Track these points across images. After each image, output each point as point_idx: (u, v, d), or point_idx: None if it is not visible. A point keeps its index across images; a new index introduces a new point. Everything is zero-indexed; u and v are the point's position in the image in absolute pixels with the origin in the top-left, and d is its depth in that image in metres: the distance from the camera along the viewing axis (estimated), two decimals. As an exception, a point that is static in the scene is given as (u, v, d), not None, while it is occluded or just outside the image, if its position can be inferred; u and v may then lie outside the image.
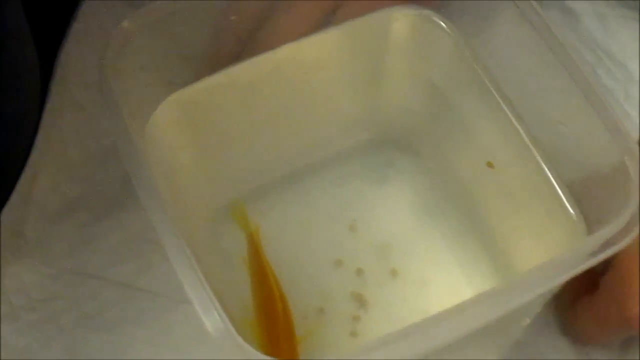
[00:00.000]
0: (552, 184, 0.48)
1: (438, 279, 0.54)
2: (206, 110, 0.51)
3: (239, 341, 0.37)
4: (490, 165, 0.53)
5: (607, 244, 0.39)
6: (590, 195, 0.46)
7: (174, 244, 0.39)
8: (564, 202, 0.47)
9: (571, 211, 0.47)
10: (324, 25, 0.52)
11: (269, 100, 0.53)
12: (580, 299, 0.52)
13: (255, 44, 0.51)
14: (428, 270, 0.54)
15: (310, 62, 0.52)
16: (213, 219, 0.55)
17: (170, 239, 0.39)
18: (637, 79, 0.63)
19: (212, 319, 0.38)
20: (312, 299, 0.53)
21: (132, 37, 0.44)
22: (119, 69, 0.43)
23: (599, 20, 0.65)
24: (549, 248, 0.49)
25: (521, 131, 0.49)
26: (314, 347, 0.52)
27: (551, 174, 0.48)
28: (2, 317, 0.54)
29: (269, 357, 0.37)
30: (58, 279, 0.56)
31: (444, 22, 0.52)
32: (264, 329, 0.51)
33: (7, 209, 0.55)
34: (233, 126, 0.53)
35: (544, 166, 0.48)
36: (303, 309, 0.53)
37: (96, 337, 0.54)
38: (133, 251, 0.57)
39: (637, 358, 0.54)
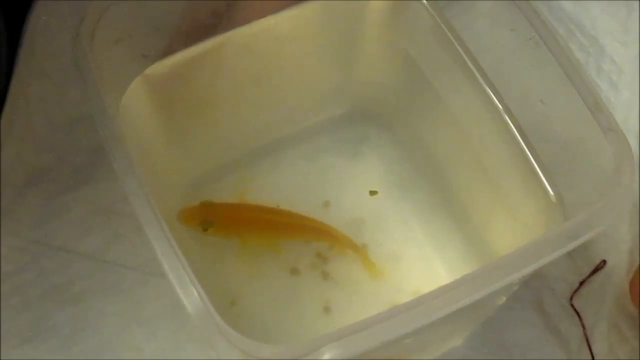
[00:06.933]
0: (530, 162, 0.47)
1: (410, 254, 0.54)
2: (179, 84, 0.50)
3: (219, 322, 0.37)
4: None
5: (587, 226, 0.39)
6: (569, 176, 0.46)
7: (153, 222, 0.38)
8: (541, 181, 0.47)
9: (549, 190, 0.47)
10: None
11: (242, 73, 0.52)
12: None
13: (232, 17, 0.51)
14: (400, 245, 0.54)
15: (286, 35, 0.51)
16: (184, 194, 0.54)
17: (149, 216, 0.38)
18: (609, 53, 0.63)
19: (191, 299, 0.37)
20: (283, 274, 0.53)
21: (107, 10, 0.43)
22: (94, 43, 0.42)
23: (571, -7, 0.64)
24: (524, 226, 0.49)
25: (499, 107, 0.49)
26: (288, 322, 0.52)
27: (529, 151, 0.48)
28: (-32, 289, 0.53)
29: (250, 340, 0.36)
30: (25, 251, 0.55)
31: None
32: None
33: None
34: (206, 100, 0.52)
35: (522, 144, 0.48)
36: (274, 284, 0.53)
37: (64, 310, 0.54)
38: (102, 223, 0.56)
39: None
